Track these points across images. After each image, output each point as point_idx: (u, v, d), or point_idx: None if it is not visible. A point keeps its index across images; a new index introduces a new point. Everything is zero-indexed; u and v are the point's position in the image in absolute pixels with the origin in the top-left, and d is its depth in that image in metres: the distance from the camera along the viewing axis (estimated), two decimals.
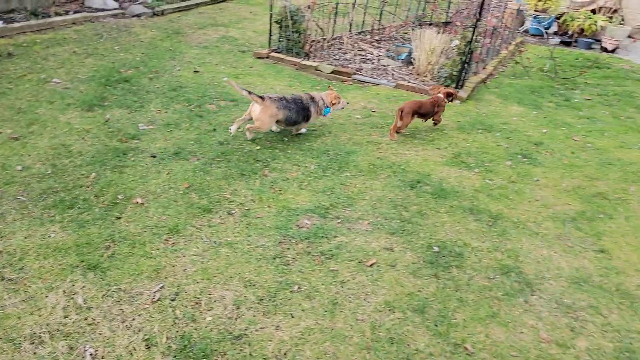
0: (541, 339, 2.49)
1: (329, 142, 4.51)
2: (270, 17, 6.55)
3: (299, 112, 4.26)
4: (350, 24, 7.63)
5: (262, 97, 4.10)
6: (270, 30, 6.72)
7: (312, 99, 4.41)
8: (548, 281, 2.95)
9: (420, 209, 3.57)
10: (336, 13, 7.17)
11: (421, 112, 4.79)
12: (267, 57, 6.63)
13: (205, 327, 2.34)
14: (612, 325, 2.63)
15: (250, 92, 4.08)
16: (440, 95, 4.91)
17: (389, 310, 2.58)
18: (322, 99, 4.47)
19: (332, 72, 6.23)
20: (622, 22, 10.60)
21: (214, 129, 4.46)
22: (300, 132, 4.58)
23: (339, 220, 3.32)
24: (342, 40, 7.27)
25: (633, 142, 5.23)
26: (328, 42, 7.13)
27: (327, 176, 3.89)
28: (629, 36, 10.52)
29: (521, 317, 2.63)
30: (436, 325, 2.51)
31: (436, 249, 3.14)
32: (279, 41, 6.70)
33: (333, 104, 4.51)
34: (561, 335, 2.53)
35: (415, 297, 2.69)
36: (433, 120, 4.96)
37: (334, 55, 6.86)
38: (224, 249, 2.90)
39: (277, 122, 4.28)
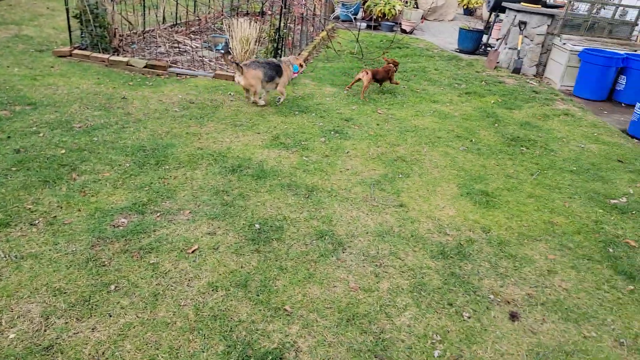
0: (350, 289, 2.80)
1: (145, 137, 4.39)
2: (67, 11, 6.05)
3: (272, 68, 5.29)
4: (164, 17, 7.42)
5: (240, 67, 5.05)
6: (69, 26, 6.21)
7: (280, 60, 5.52)
8: (357, 238, 3.31)
9: (242, 192, 3.70)
10: (144, 5, 6.91)
11: (377, 78, 6.34)
12: (70, 56, 6.13)
13: (9, 345, 2.17)
14: (408, 266, 3.07)
15: (237, 64, 5.04)
16: (391, 65, 6.45)
17: (212, 290, 2.66)
18: (289, 60, 5.59)
19: (145, 67, 6.02)
20: (415, 6, 11.99)
21: (9, 137, 4.03)
22: (281, 95, 5.58)
23: (159, 214, 3.29)
24: (154, 33, 7.04)
25: (425, 111, 6.03)
26: (139, 35, 6.85)
27: (145, 172, 3.80)
28: (422, 17, 11.95)
29: (334, 273, 2.92)
30: (258, 295, 2.66)
31: (257, 226, 3.30)
32: (82, 37, 6.23)
33: (301, 65, 5.65)
34: (367, 282, 2.88)
35: (238, 274, 2.81)
36: (391, 83, 6.56)
37: (147, 49, 6.62)
38: (27, 261, 2.68)
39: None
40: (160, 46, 6.78)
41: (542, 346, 2.54)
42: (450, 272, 3.05)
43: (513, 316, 2.73)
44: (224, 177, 3.88)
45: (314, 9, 9.12)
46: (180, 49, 6.87)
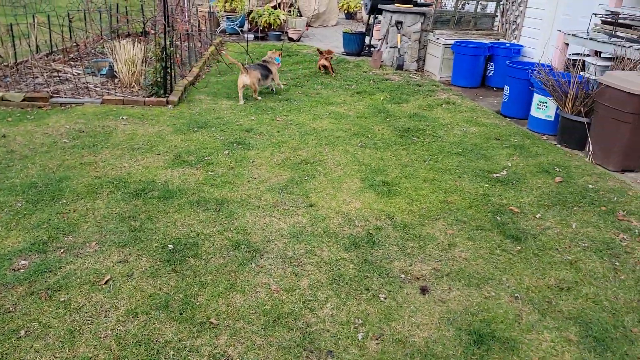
0: (273, 291, 2.88)
1: (35, 173, 4.13)
2: None
3: (264, 68, 6.69)
4: (37, 46, 6.97)
5: (245, 68, 6.42)
6: None
7: (265, 60, 6.91)
8: (273, 242, 3.39)
9: (150, 215, 3.63)
10: (13, 35, 6.45)
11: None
12: None
13: None
14: (325, 261, 3.21)
15: (243, 65, 6.43)
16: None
17: (133, 317, 2.60)
18: (270, 57, 6.96)
19: (24, 100, 5.63)
20: (299, 14, 12.32)
21: None
22: (279, 86, 7.16)
23: (62, 250, 3.13)
24: (29, 64, 6.59)
25: (322, 114, 6.27)
26: (11, 68, 6.38)
27: (40, 209, 3.59)
28: (307, 25, 12.32)
29: (255, 279, 2.98)
30: (181, 314, 2.65)
31: (171, 246, 3.26)
32: None
33: (280, 55, 7.17)
34: (288, 282, 2.97)
35: (157, 297, 2.77)
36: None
37: (24, 81, 6.19)
38: None
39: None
40: (37, 77, 6.37)
41: (452, 312, 2.80)
42: (364, 260, 3.24)
43: (423, 290, 2.97)
44: (128, 203, 3.77)
45: (199, 24, 9.06)
46: (61, 78, 6.50)
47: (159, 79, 6.03)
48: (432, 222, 3.78)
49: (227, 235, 3.44)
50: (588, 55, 6.14)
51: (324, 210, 3.88)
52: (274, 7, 12.27)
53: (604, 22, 6.05)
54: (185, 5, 8.82)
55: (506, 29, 8.60)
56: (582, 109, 5.24)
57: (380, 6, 9.01)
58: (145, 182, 4.12)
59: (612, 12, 6.00)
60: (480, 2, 8.72)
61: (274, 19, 10.98)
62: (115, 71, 6.37)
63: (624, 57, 5.12)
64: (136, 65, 6.23)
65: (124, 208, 3.70)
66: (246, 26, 10.94)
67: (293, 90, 7.27)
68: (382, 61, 8.84)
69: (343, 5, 15.07)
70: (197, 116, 5.86)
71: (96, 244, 3.24)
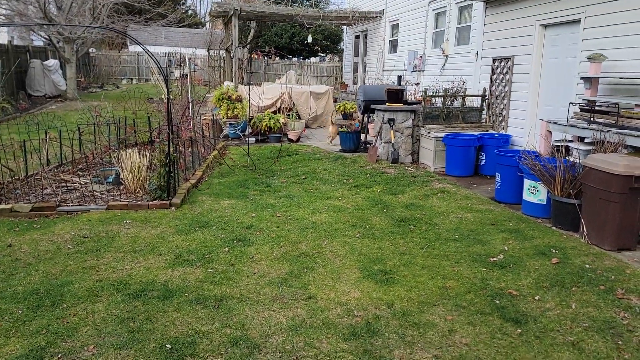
0: None
1: (38, 279, 4.21)
2: None
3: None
4: (47, 159, 7.37)
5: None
6: None
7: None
8: (272, 337, 3.37)
9: (149, 315, 3.65)
10: (25, 150, 6.86)
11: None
12: None
13: None
14: (324, 353, 3.18)
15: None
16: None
17: None
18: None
19: (32, 210, 5.86)
20: (298, 117, 13.01)
21: None
22: None
23: (60, 355, 3.12)
24: (38, 176, 6.94)
25: (321, 208, 6.44)
26: (22, 181, 6.70)
27: (40, 315, 3.62)
28: (306, 126, 12.97)
29: None
30: None
31: (169, 346, 3.25)
32: None
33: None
34: None
35: None
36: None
37: (33, 193, 6.48)
38: None
39: None
40: (46, 188, 6.67)
41: None
42: (363, 350, 3.20)
43: None
44: (127, 305, 3.80)
45: (202, 131, 9.60)
46: (69, 187, 6.80)
47: (162, 183, 6.30)
48: (431, 309, 3.76)
49: (225, 332, 3.43)
50: (571, 141, 6.42)
51: (322, 301, 3.88)
52: (274, 112, 13.01)
53: (582, 110, 6.41)
54: (190, 114, 9.42)
55: (493, 121, 9.05)
56: (571, 191, 5.39)
57: (372, 106, 9.58)
58: (145, 282, 4.18)
59: (588, 100, 6.39)
60: (465, 98, 9.28)
61: (274, 123, 11.60)
62: (121, 178, 6.68)
63: (604, 140, 5.37)
64: (141, 172, 6.55)
65: (123, 310, 3.73)
66: (248, 130, 11.54)
67: (293, 187, 7.52)
68: (378, 156, 9.20)
69: (340, 107, 15.94)
70: (199, 216, 6.04)
71: (94, 347, 3.23)
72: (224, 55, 20.51)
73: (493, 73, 9.04)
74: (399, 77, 10.19)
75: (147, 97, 12.82)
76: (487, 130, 8.95)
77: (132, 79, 30.15)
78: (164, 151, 6.25)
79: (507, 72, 8.62)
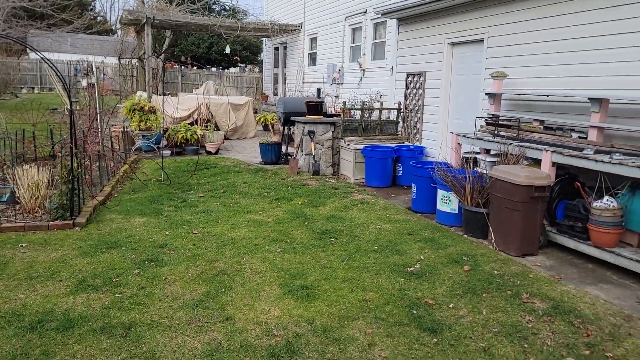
0: None
1: None
2: None
3: None
4: None
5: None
6: None
7: None
8: None
9: (45, 349, 3.30)
10: None
11: None
12: None
13: None
14: None
15: None
16: None
17: None
18: None
19: None
20: (216, 129, 12.71)
21: None
22: None
23: None
24: None
25: (241, 222, 6.27)
26: None
27: None
28: (225, 138, 12.70)
29: None
30: None
31: None
32: None
33: None
34: None
35: None
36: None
37: None
38: None
39: None
40: None
41: None
42: None
43: None
44: (21, 339, 3.42)
45: (112, 144, 9.05)
46: None
47: (65, 201, 5.82)
48: (351, 323, 3.74)
49: None
50: (479, 153, 6.79)
51: (241, 322, 3.73)
52: (191, 124, 12.61)
53: (487, 123, 6.80)
54: (99, 126, 8.85)
55: (409, 133, 9.38)
56: (480, 200, 5.67)
57: (293, 118, 9.56)
58: (42, 312, 3.79)
59: (492, 115, 6.79)
60: (381, 111, 9.54)
61: (190, 135, 11.23)
62: (17, 197, 6.08)
63: (507, 152, 5.72)
64: (40, 190, 6.00)
65: (16, 345, 3.34)
66: (162, 143, 11.07)
67: (211, 202, 7.27)
68: (299, 168, 9.18)
69: (260, 119, 15.82)
70: (107, 236, 5.63)
71: None
72: (137, 64, 19.67)
73: (407, 87, 9.38)
74: (318, 90, 10.29)
75: (51, 107, 11.92)
76: (403, 142, 9.25)
77: (33, 88, 28.02)
78: (67, 166, 5.78)
79: (419, 87, 8.99)
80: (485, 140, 6.25)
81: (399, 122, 9.55)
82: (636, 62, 5.19)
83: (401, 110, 9.46)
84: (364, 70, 13.18)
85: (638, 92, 5.14)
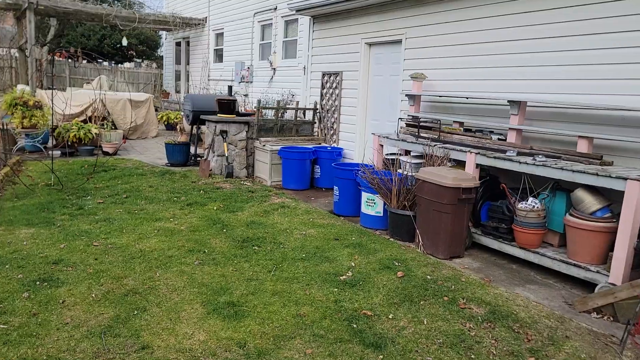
0: None
1: None
2: None
3: None
4: None
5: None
6: None
7: None
8: None
9: None
10: None
11: None
12: None
13: None
14: None
15: None
16: None
17: None
18: None
19: None
20: (114, 127, 11.61)
21: None
22: None
23: None
24: None
25: (149, 232, 5.60)
26: None
27: None
28: (125, 137, 11.64)
29: None
30: None
31: None
32: None
33: None
34: None
35: None
36: None
37: None
38: None
39: None
40: None
41: None
42: None
43: None
44: None
45: None
46: None
47: None
48: (288, 343, 3.38)
49: None
50: (401, 154, 6.75)
51: (160, 350, 3.21)
52: (84, 121, 11.38)
53: (408, 125, 6.79)
54: None
55: (325, 134, 9.19)
56: (406, 203, 5.58)
57: (203, 117, 8.93)
58: None
59: (413, 116, 6.79)
60: (297, 111, 9.25)
61: (84, 133, 10.10)
62: None
63: (432, 154, 5.69)
64: None
65: None
66: (51, 142, 9.81)
67: (112, 209, 6.46)
68: (210, 170, 8.58)
69: (163, 117, 14.79)
70: None
71: None
72: (17, 54, 17.53)
73: (323, 87, 9.19)
74: (230, 87, 9.74)
75: None
76: (320, 144, 9.04)
77: None
78: None
79: (336, 87, 8.83)
80: (408, 142, 6.20)
81: (315, 123, 9.33)
82: (551, 66, 5.40)
83: (317, 111, 9.25)
84: (274, 69, 12.81)
85: (552, 95, 5.36)
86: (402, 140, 6.30)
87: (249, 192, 7.60)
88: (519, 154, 5.01)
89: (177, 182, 8.09)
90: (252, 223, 6.07)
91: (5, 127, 8.86)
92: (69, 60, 23.55)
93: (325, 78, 9.12)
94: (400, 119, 6.69)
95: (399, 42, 7.48)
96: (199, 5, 17.10)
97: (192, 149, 9.64)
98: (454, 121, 6.31)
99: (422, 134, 6.35)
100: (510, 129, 5.46)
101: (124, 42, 17.27)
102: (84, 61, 25.93)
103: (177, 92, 19.68)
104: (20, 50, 16.46)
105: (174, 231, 5.66)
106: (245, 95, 13.68)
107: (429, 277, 4.55)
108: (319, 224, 6.15)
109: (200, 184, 8.00)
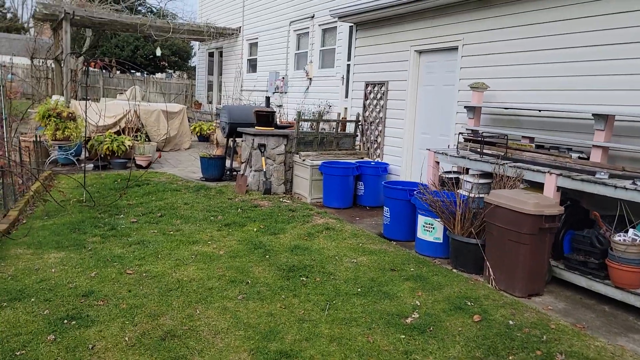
0: None
1: None
2: None
3: None
4: None
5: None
6: None
7: None
8: None
9: None
10: None
11: None
12: None
13: None
14: None
15: None
16: None
17: None
18: None
19: None
20: (147, 139, 11.28)
21: None
22: None
23: None
24: None
25: (186, 257, 5.11)
26: None
27: None
28: (158, 149, 11.31)
29: None
30: None
31: None
32: None
33: None
34: None
35: None
36: None
37: None
38: None
39: None
40: None
41: None
42: None
43: None
44: None
45: (20, 156, 7.50)
46: None
47: None
48: None
49: None
50: (458, 173, 6.11)
51: None
52: (117, 133, 11.10)
53: (466, 140, 6.15)
54: (4, 135, 7.27)
55: (368, 148, 8.61)
56: (472, 229, 4.93)
57: (239, 129, 8.47)
58: None
59: (472, 130, 6.15)
60: (338, 123, 8.71)
61: (117, 146, 9.77)
62: None
63: (502, 174, 5.04)
64: None
65: None
66: (84, 154, 9.51)
67: (146, 229, 6.01)
68: (247, 186, 8.09)
69: (195, 128, 14.48)
70: (10, 281, 4.28)
71: None
72: (53, 65, 17.60)
73: (366, 98, 8.63)
74: (267, 99, 9.26)
75: None
76: (363, 158, 8.46)
77: None
78: None
79: (381, 98, 8.26)
80: (472, 160, 5.55)
81: (357, 136, 8.76)
82: None
83: (359, 123, 8.68)
84: (310, 78, 12.35)
85: None
86: (464, 157, 5.65)
87: (289, 211, 7.06)
88: (611, 176, 4.31)
89: (213, 199, 7.62)
90: (296, 248, 5.51)
91: (38, 139, 8.59)
92: (103, 70, 23.69)
93: (369, 88, 8.55)
94: (461, 133, 6.06)
95: (454, 49, 6.86)
96: (232, 15, 16.84)
97: (227, 163, 9.18)
98: (522, 136, 5.64)
99: (485, 151, 5.70)
100: (594, 146, 4.77)
101: (158, 52, 17.11)
102: (118, 72, 26.09)
103: (209, 102, 19.45)
104: (57, 61, 16.49)
105: (212, 257, 5.16)
106: (280, 106, 13.24)
107: (511, 322, 3.89)
108: (370, 250, 5.55)
109: (237, 201, 7.51)
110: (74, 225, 5.98)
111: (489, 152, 5.65)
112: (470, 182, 5.46)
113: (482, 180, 5.42)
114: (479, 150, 5.78)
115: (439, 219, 5.28)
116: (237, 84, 16.36)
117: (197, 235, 5.86)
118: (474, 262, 4.93)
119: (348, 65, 10.93)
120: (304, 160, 7.92)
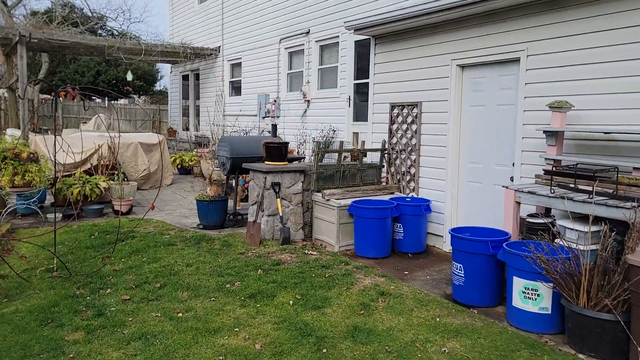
0: None
1: None
2: None
3: None
4: None
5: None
6: None
7: None
8: None
9: None
10: None
11: None
12: None
13: None
14: None
15: None
16: None
17: None
18: None
19: None
20: (125, 178, 9.66)
21: None
22: None
23: None
24: None
25: (208, 358, 3.61)
26: None
27: None
28: (138, 188, 9.69)
29: None
30: None
31: None
32: None
33: None
34: None
35: None
36: None
37: None
38: None
39: None
40: None
41: None
42: None
43: None
44: None
45: None
46: None
47: None
48: None
49: None
50: (537, 215, 4.86)
51: None
52: (88, 172, 9.45)
53: (547, 172, 4.91)
54: None
55: (398, 180, 7.28)
56: (609, 301, 3.64)
57: (246, 165, 7.00)
58: None
59: (554, 160, 4.92)
60: (360, 153, 7.38)
61: (90, 189, 8.14)
62: None
63: (636, 222, 3.78)
64: None
65: None
66: (49, 200, 7.82)
67: (145, 311, 4.46)
68: (261, 235, 6.59)
69: (176, 159, 12.90)
70: None
71: None
72: (6, 94, 15.72)
73: (393, 122, 7.34)
74: (274, 127, 7.82)
75: None
76: (393, 193, 7.13)
77: None
78: None
79: (412, 122, 6.98)
80: (576, 201, 4.28)
81: (383, 166, 7.44)
82: None
83: (386, 151, 7.37)
84: (308, 100, 11.03)
85: None
86: (564, 197, 4.38)
87: (322, 268, 5.62)
88: None
89: (220, 256, 6.09)
90: (356, 331, 4.08)
91: None
92: (74, 99, 21.77)
93: (396, 110, 7.27)
94: (548, 163, 4.80)
95: (514, 61, 5.67)
96: (210, 34, 15.41)
97: (229, 204, 7.67)
98: (633, 168, 4.43)
99: (581, 187, 4.46)
100: None
101: (129, 76, 15.52)
102: (73, 99, 24.15)
103: (186, 129, 17.85)
104: (10, 90, 14.63)
105: (249, 356, 3.67)
106: None
107: None
108: (454, 328, 4.17)
109: (252, 257, 6.01)
110: (45, 314, 4.37)
111: (586, 188, 4.41)
112: (578, 230, 4.19)
113: (594, 228, 4.15)
114: (572, 186, 4.54)
115: (548, 283, 3.97)
116: (218, 108, 14.88)
117: (216, 317, 4.35)
118: (611, 344, 3.63)
119: (356, 85, 9.70)
120: (328, 200, 6.52)
